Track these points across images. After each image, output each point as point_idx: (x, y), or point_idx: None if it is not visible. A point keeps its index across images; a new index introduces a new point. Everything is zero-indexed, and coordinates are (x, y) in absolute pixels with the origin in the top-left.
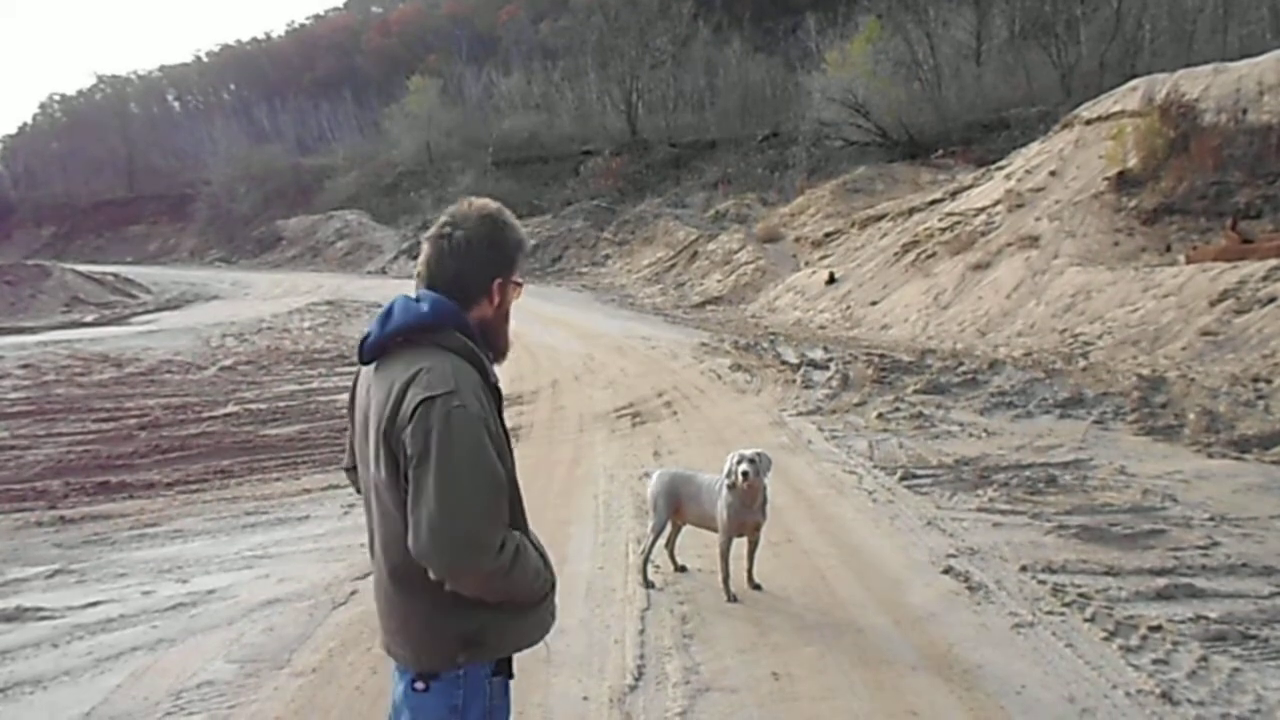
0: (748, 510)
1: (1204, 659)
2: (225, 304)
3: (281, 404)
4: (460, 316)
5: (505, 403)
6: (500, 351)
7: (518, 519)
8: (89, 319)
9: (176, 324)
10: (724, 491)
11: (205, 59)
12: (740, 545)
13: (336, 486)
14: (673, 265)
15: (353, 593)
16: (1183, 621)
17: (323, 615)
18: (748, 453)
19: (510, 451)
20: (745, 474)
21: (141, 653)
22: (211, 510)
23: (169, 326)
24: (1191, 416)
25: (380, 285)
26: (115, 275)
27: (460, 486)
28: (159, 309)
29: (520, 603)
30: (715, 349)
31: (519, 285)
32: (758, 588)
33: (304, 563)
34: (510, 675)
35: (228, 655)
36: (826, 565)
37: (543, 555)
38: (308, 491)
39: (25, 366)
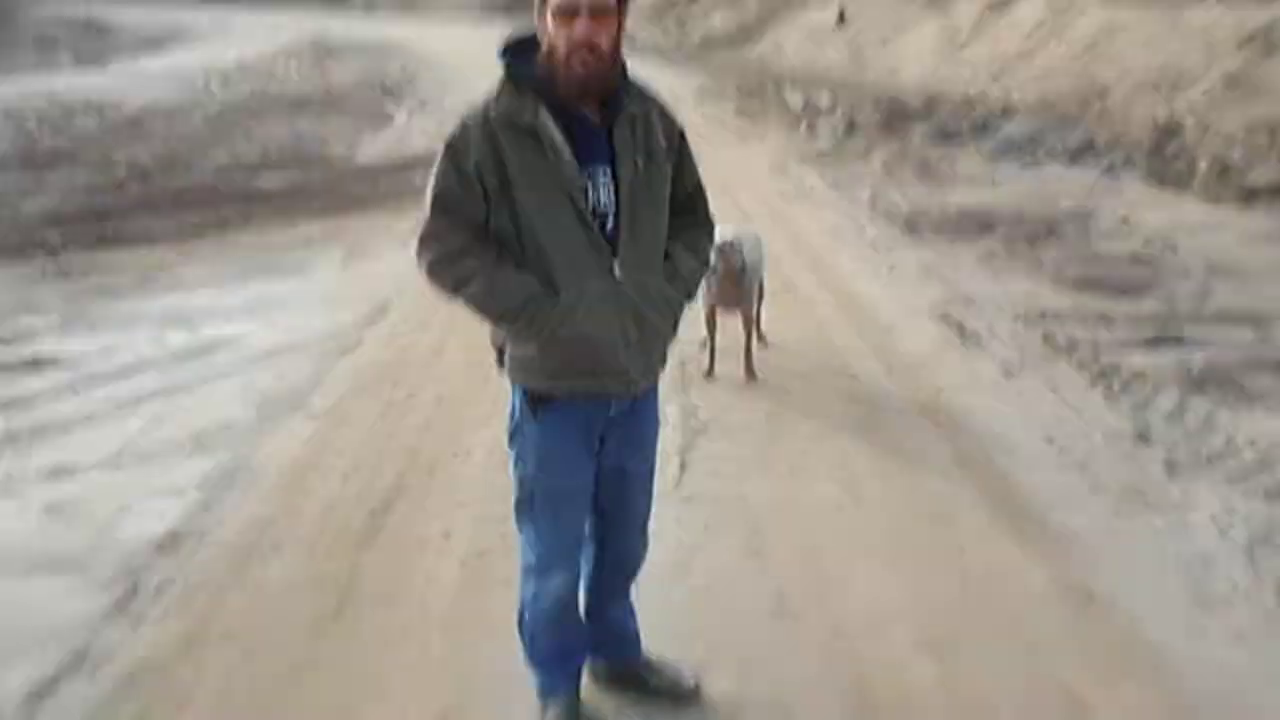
0: (726, 291)
1: (1182, 403)
2: (206, 45)
3: (273, 153)
4: (505, 50)
5: None
6: (559, 82)
7: (522, 257)
8: (64, 62)
9: (157, 69)
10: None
11: None
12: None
13: (336, 238)
14: (674, 2)
15: (359, 341)
16: (1166, 368)
17: (331, 362)
18: (727, 234)
19: (508, 189)
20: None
21: (160, 398)
22: (212, 261)
23: (150, 72)
24: (1203, 165)
25: (363, 24)
26: (89, 16)
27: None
28: (136, 49)
29: (499, 322)
30: (718, 93)
31: (556, 13)
32: (754, 378)
33: (309, 312)
34: (535, 408)
35: (243, 400)
36: (824, 313)
37: (528, 294)
38: (308, 241)
39: (3, 116)
